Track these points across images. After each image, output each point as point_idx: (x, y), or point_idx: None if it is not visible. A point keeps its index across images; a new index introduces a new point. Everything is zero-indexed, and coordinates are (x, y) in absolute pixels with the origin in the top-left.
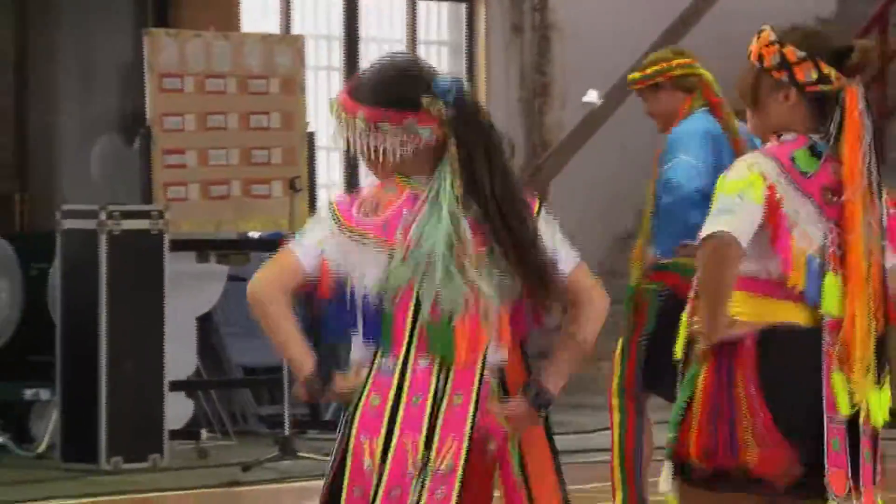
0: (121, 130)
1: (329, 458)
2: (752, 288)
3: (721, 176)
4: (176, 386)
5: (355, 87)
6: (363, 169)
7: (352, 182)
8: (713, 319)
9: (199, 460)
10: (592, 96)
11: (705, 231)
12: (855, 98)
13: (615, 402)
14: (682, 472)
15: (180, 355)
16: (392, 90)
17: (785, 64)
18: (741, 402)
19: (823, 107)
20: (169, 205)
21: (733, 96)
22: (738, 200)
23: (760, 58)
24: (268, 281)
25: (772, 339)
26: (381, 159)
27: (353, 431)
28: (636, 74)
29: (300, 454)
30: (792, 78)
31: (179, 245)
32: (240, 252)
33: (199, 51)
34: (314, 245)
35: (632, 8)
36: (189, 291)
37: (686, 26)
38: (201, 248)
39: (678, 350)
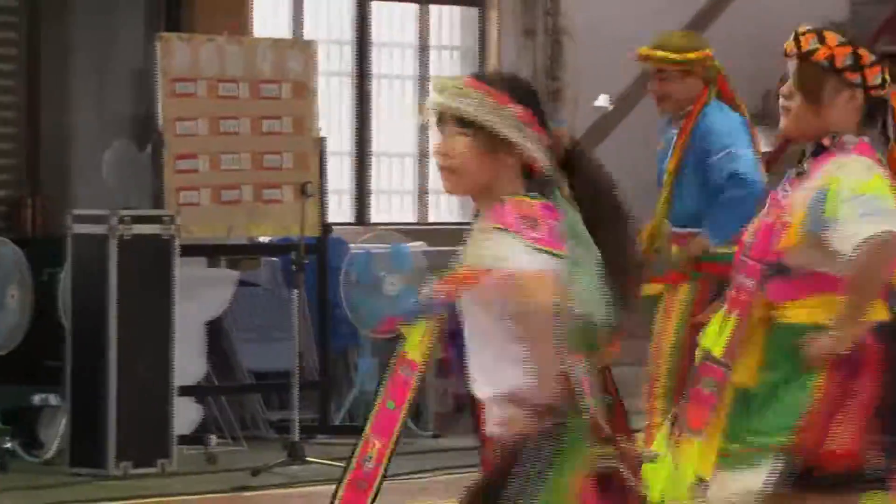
0: (133, 135)
1: (336, 462)
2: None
3: (840, 177)
4: (185, 391)
5: (504, 82)
6: (374, 175)
7: (362, 188)
8: (859, 319)
9: (207, 465)
10: (604, 101)
11: (867, 232)
12: None
13: (659, 404)
14: (805, 475)
15: (190, 360)
16: (539, 102)
17: (858, 65)
18: (867, 402)
19: (872, 110)
20: (180, 210)
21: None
22: (887, 201)
23: (831, 58)
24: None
25: (890, 336)
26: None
27: None
28: (671, 55)
29: (309, 459)
30: (864, 80)
31: (190, 250)
32: (251, 257)
33: (212, 55)
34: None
35: (643, 12)
36: (199, 296)
37: (698, 30)
38: (212, 252)
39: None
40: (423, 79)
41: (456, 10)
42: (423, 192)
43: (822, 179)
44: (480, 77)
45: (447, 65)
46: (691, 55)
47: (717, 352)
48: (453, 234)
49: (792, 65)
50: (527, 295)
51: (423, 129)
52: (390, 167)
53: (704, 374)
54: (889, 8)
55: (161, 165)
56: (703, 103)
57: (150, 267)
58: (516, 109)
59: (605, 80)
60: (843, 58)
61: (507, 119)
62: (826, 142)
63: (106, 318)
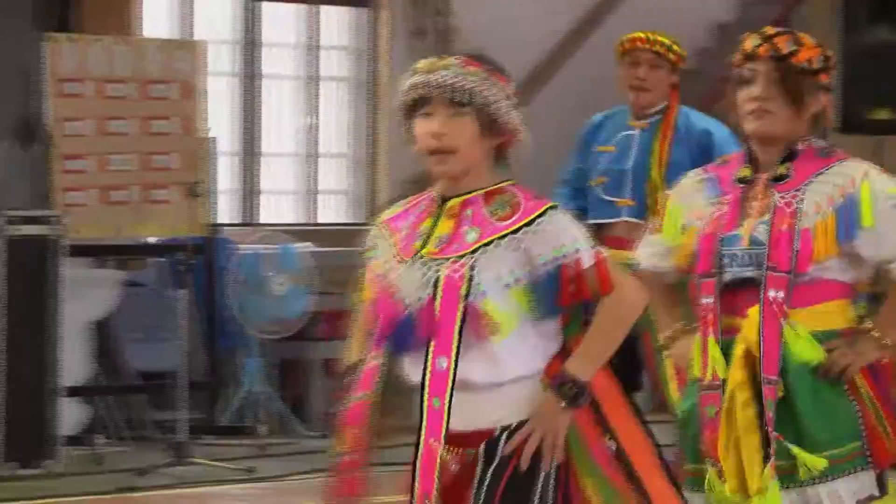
0: (19, 135)
1: (222, 463)
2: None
3: (868, 183)
4: (72, 391)
5: (486, 59)
6: (262, 175)
7: (250, 188)
8: None
9: (94, 466)
10: None
11: None
12: None
13: None
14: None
15: (77, 361)
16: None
17: (827, 67)
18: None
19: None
20: (68, 210)
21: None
22: None
23: (810, 60)
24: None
25: None
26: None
27: None
28: (665, 39)
29: (196, 460)
30: (829, 83)
31: (78, 250)
32: (138, 257)
33: (100, 56)
34: None
35: (533, 13)
36: (86, 297)
37: (588, 31)
38: (100, 253)
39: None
40: (311, 79)
41: (346, 10)
42: (311, 193)
43: (839, 184)
44: (468, 57)
45: (337, 65)
46: (678, 49)
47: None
48: (341, 235)
49: (763, 66)
50: (627, 287)
51: (311, 130)
52: (278, 168)
53: (706, 403)
54: (777, 9)
55: (48, 166)
56: (676, 106)
57: (38, 267)
58: (512, 88)
59: None
60: (818, 60)
61: (509, 98)
62: (800, 145)
63: None
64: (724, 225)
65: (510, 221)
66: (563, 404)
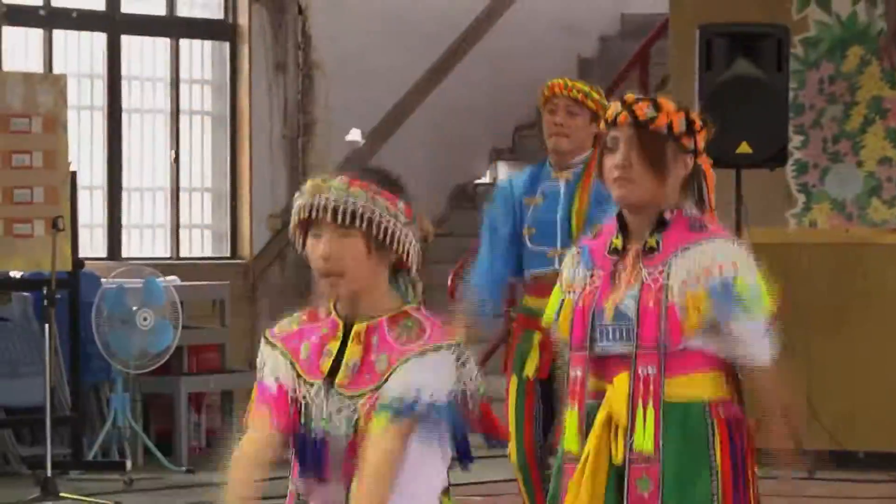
0: None
1: (89, 498)
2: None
3: (741, 275)
4: None
5: (377, 175)
6: (126, 209)
7: (114, 222)
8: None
9: None
10: (356, 135)
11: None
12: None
13: None
14: None
15: None
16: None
17: (691, 131)
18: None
19: (690, 176)
20: None
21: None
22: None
23: (671, 125)
24: None
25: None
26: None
27: None
28: (583, 87)
29: (63, 495)
30: (695, 146)
31: None
32: (1, 292)
33: None
34: None
35: (395, 47)
36: None
37: (450, 65)
38: None
39: None
40: (174, 113)
41: (206, 43)
42: (175, 227)
43: (708, 265)
44: (357, 174)
45: (199, 99)
46: (604, 101)
47: (647, 446)
48: (206, 269)
49: (623, 133)
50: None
51: (175, 164)
52: (142, 202)
53: (636, 475)
54: (637, 43)
55: None
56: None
57: None
58: (402, 207)
59: (356, 114)
60: (679, 123)
61: (397, 218)
62: (669, 214)
63: None
64: (597, 299)
65: (414, 345)
66: None
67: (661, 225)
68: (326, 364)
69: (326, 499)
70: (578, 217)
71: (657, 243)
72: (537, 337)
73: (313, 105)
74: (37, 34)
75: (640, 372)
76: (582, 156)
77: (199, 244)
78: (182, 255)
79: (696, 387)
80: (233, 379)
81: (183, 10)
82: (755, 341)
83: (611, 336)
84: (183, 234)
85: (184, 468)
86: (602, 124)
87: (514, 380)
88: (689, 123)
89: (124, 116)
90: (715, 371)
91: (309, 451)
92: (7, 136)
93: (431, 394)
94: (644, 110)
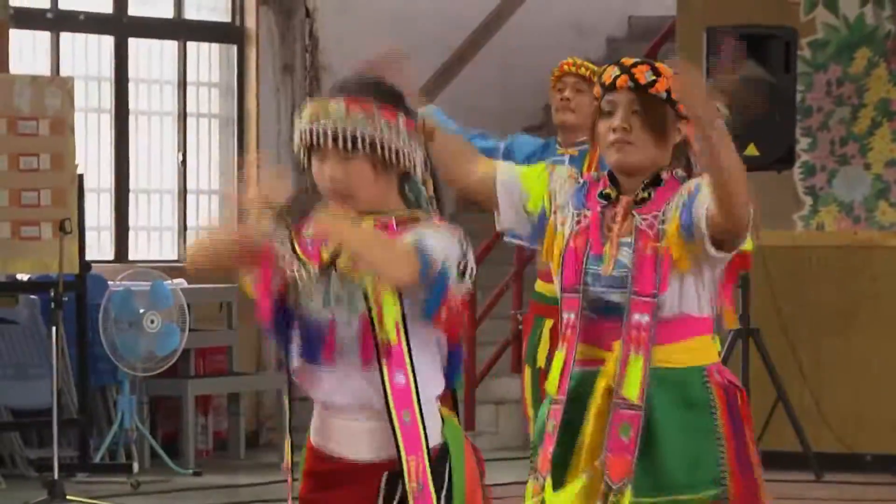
0: None
1: (96, 500)
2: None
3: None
4: None
5: (374, 89)
6: (133, 212)
7: (122, 224)
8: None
9: None
10: None
11: None
12: None
13: None
14: None
15: None
16: (405, 98)
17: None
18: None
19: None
20: None
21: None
22: None
23: (669, 90)
24: None
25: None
26: None
27: None
28: (592, 66)
29: (70, 497)
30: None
31: None
32: (9, 294)
33: None
34: None
35: (404, 48)
36: None
37: (458, 66)
38: None
39: None
40: (181, 115)
41: (214, 46)
42: (183, 229)
43: (684, 191)
44: (355, 91)
45: (206, 101)
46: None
47: (632, 394)
48: (212, 271)
49: (623, 97)
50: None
51: (182, 166)
52: (149, 204)
53: (618, 420)
54: (644, 45)
55: None
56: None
57: None
58: (403, 121)
59: None
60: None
61: (400, 135)
62: (664, 175)
63: None
64: (591, 244)
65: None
66: None
67: (654, 182)
68: (326, 252)
69: (332, 386)
70: None
71: (649, 195)
72: (548, 325)
73: None
74: (44, 37)
75: (633, 319)
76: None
77: None
78: None
79: (693, 352)
80: (240, 382)
81: (190, 13)
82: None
83: (605, 283)
84: (190, 236)
85: (191, 471)
86: (597, 88)
87: (528, 371)
88: None
89: (131, 119)
90: (706, 335)
91: (312, 332)
92: (15, 138)
93: (446, 255)
94: (644, 74)
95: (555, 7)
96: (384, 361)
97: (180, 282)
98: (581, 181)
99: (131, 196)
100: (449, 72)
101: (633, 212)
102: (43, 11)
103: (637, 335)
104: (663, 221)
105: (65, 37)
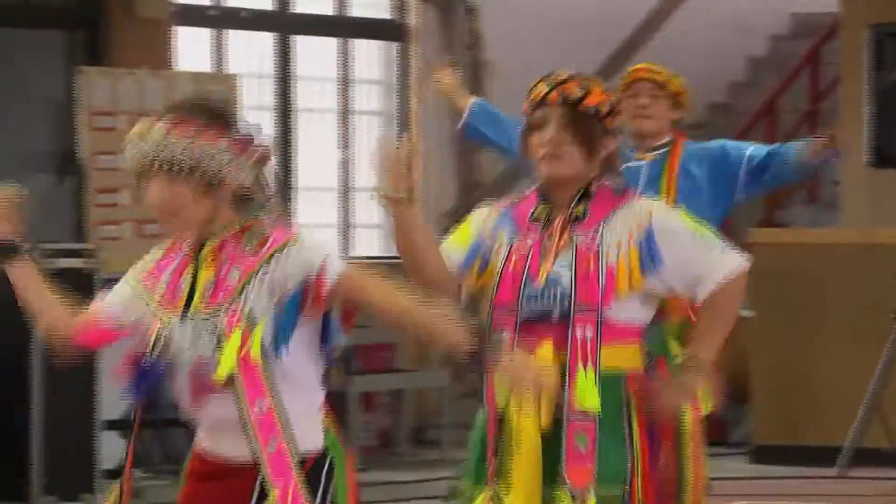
0: (53, 169)
1: None
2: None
3: (663, 216)
4: (111, 425)
5: (202, 111)
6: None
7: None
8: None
9: (134, 500)
10: None
11: (740, 263)
12: None
13: None
14: None
15: (115, 394)
16: (234, 118)
17: (613, 112)
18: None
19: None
20: (102, 244)
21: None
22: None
23: (598, 105)
24: None
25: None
26: None
27: None
28: (666, 71)
29: None
30: (615, 127)
31: (112, 284)
32: None
33: (132, 89)
34: None
35: (564, 46)
36: None
37: (620, 64)
38: None
39: None
40: (344, 112)
41: (376, 44)
42: (346, 227)
43: (635, 221)
44: (179, 117)
45: (367, 99)
46: (684, 88)
47: (592, 403)
48: (377, 268)
49: (553, 111)
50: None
51: (345, 164)
52: (313, 201)
53: (573, 430)
54: (808, 42)
55: (82, 199)
56: (683, 140)
57: (73, 300)
58: (226, 142)
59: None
60: (605, 105)
61: (221, 156)
62: (594, 187)
63: (29, 352)
64: (529, 265)
65: (261, 254)
66: None
67: (586, 196)
68: (183, 295)
69: (211, 412)
70: (668, 196)
71: (584, 211)
72: None
73: None
74: (207, 34)
75: (577, 334)
76: (664, 138)
77: (370, 244)
78: (354, 254)
79: (620, 359)
80: (404, 379)
81: (352, 10)
82: (706, 252)
83: (537, 300)
84: (353, 233)
85: (357, 467)
86: (526, 105)
87: None
88: (612, 105)
89: (294, 116)
90: (636, 344)
91: (149, 378)
92: None
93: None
94: (575, 89)
95: (715, 5)
96: (241, 393)
97: None
98: (500, 210)
99: (295, 193)
100: (611, 69)
101: (571, 230)
102: (205, 9)
103: (583, 350)
104: (602, 239)
105: (228, 34)
